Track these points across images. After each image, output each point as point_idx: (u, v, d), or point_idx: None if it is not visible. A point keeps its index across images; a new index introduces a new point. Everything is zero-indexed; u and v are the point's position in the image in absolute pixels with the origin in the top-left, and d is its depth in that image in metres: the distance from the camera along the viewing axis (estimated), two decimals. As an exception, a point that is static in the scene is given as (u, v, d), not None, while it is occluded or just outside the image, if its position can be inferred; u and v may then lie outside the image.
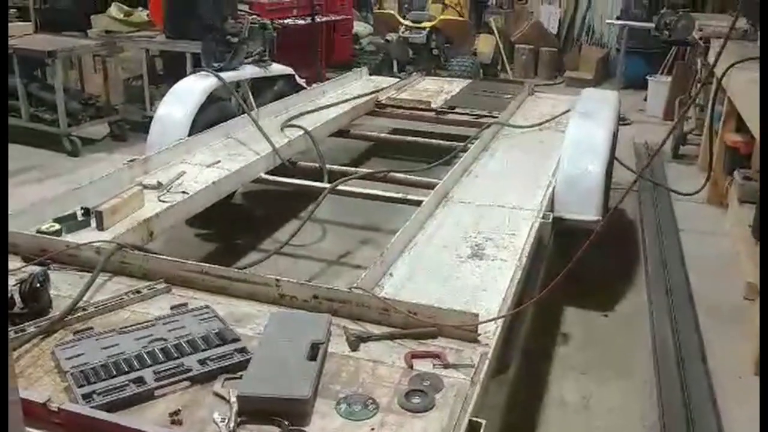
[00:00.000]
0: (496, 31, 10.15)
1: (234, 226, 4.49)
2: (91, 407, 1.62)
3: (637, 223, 4.82)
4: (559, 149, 3.59)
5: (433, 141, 4.83)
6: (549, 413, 2.88)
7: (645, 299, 3.78)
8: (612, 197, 4.00)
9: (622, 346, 3.38)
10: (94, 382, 1.72)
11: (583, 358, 3.26)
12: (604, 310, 3.69)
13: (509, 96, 5.22)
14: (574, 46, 10.90)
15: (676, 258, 4.22)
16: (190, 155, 3.63)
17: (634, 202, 5.09)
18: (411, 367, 1.86)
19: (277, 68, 5.09)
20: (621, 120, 5.20)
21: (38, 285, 2.09)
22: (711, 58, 5.66)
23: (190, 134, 3.84)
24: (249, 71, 4.72)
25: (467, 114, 4.91)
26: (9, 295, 2.05)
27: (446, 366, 1.87)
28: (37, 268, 2.25)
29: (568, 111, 4.45)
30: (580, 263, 1.98)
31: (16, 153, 6.08)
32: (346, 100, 4.94)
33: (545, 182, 3.39)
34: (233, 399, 1.67)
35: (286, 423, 1.61)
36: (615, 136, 3.90)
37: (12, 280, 2.16)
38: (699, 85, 6.46)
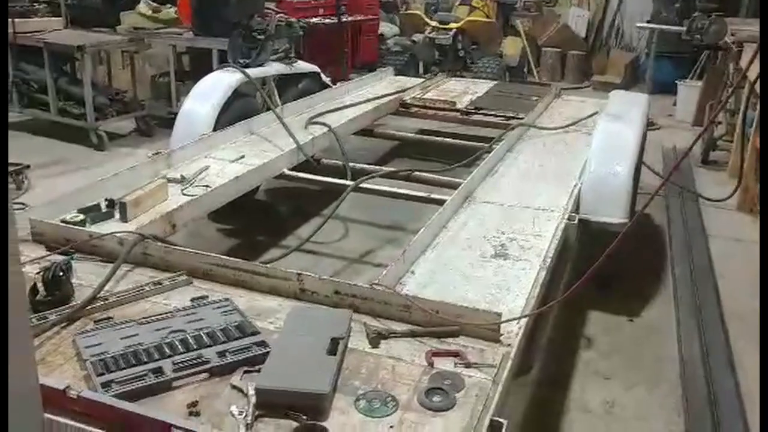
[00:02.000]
0: (522, 34, 10.08)
1: (256, 222, 4.50)
2: (110, 396, 1.61)
3: (664, 228, 4.73)
4: (586, 151, 3.54)
5: (458, 142, 4.80)
6: (571, 417, 2.83)
7: (672, 305, 3.70)
8: (639, 202, 3.93)
9: (648, 352, 3.32)
10: (114, 371, 1.71)
11: (607, 363, 3.21)
12: (630, 315, 3.62)
13: (535, 98, 5.17)
14: (602, 49, 10.79)
15: (704, 264, 4.14)
16: (213, 150, 3.64)
17: (661, 207, 5.00)
18: (432, 365, 1.83)
19: (303, 66, 5.10)
20: (649, 124, 5.12)
21: (61, 274, 2.10)
22: (744, 63, 5.56)
23: (214, 129, 3.85)
24: (274, 68, 4.73)
25: (492, 115, 4.87)
26: (32, 282, 2.07)
27: (468, 365, 1.83)
28: (60, 257, 2.27)
29: (595, 113, 4.40)
30: (605, 267, 1.93)
31: (45, 146, 6.18)
32: (371, 99, 4.93)
33: (571, 184, 3.34)
34: (251, 392, 1.65)
35: (304, 417, 1.59)
36: (644, 138, 3.83)
37: (36, 268, 2.18)
38: (730, 89, 6.34)
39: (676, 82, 8.24)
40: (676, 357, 3.23)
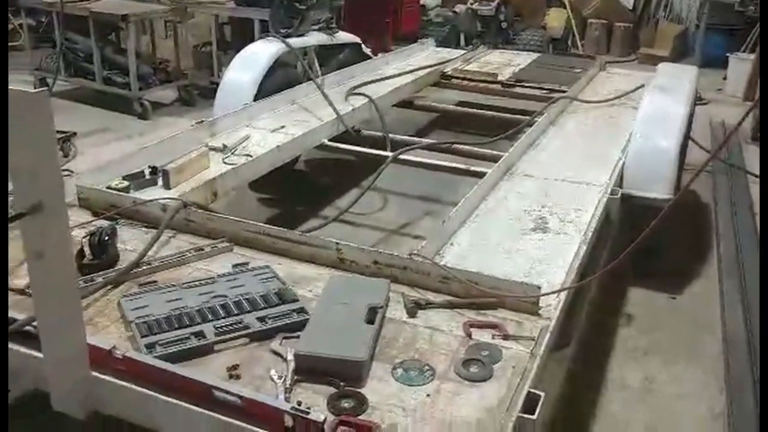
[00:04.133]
0: (567, 5, 9.83)
1: (296, 192, 4.52)
2: (154, 357, 1.66)
3: (710, 205, 4.62)
4: (631, 125, 3.46)
5: (499, 114, 4.73)
6: (609, 394, 2.81)
7: (716, 283, 3.63)
8: (685, 179, 3.84)
9: (690, 331, 3.26)
10: (157, 333, 1.76)
11: (647, 340, 3.16)
12: (672, 292, 3.55)
13: (579, 70, 5.06)
14: (650, 21, 10.47)
15: (751, 242, 4.03)
16: (255, 120, 3.66)
17: (708, 184, 4.88)
18: (469, 336, 1.84)
19: (344, 36, 5.07)
20: (697, 99, 4.97)
21: (106, 238, 2.15)
22: (800, 35, 5.34)
23: (255, 99, 3.87)
24: (315, 38, 4.71)
25: (535, 88, 4.79)
26: (80, 246, 2.12)
27: (506, 337, 1.83)
28: (105, 223, 2.32)
29: (641, 86, 4.28)
30: (648, 243, 1.89)
31: (90, 114, 6.30)
32: (412, 71, 4.88)
33: (615, 158, 3.27)
34: (290, 357, 1.67)
35: (342, 384, 1.61)
36: (692, 113, 3.73)
37: (82, 233, 2.24)
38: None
39: (728, 55, 7.97)
40: (719, 335, 3.17)
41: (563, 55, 8.32)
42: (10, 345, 1.68)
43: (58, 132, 4.98)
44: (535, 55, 5.86)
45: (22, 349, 1.67)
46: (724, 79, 8.01)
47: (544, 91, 4.67)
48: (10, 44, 8.51)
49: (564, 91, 4.44)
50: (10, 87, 1.29)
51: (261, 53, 4.16)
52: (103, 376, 1.59)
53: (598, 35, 10.13)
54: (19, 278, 1.97)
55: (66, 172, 3.87)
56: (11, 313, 1.75)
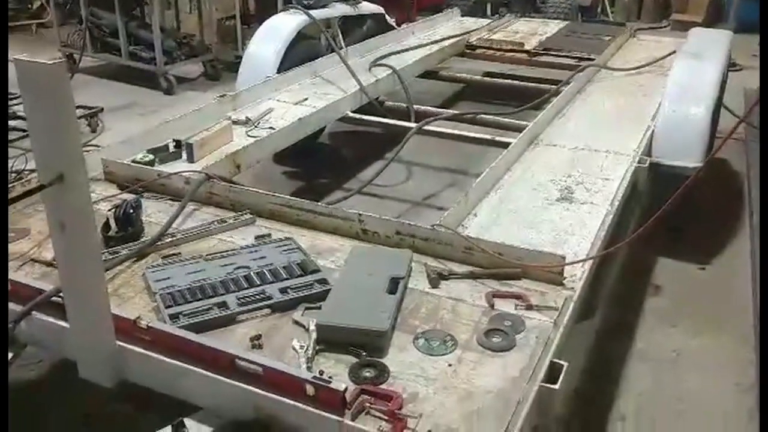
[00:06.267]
0: (597, -29, 9.59)
1: (319, 165, 4.52)
2: (178, 327, 1.67)
3: (743, 174, 4.51)
4: (661, 93, 3.38)
5: (525, 84, 4.66)
6: (635, 366, 2.78)
7: (747, 255, 3.55)
8: (715, 147, 3.75)
9: (720, 302, 3.20)
10: (181, 304, 1.78)
11: (675, 312, 3.12)
12: (702, 263, 3.49)
13: (608, 38, 4.95)
14: (682, -14, 10.17)
15: (784, 212, 3.94)
16: (278, 92, 3.65)
17: (741, 152, 4.76)
18: (492, 306, 1.82)
19: (367, 7, 5.01)
20: (731, 65, 4.84)
21: (131, 211, 2.17)
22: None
23: (278, 71, 3.86)
24: (339, 9, 4.66)
25: (562, 56, 4.70)
26: (105, 219, 2.14)
27: (529, 307, 1.81)
28: (130, 196, 2.34)
29: (672, 53, 4.17)
30: (677, 212, 1.85)
31: (116, 90, 6.35)
32: (436, 41, 4.82)
33: (644, 126, 3.20)
34: (312, 327, 1.68)
35: (364, 354, 1.62)
36: (725, 79, 3.62)
37: (108, 206, 2.26)
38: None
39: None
40: (750, 307, 3.11)
41: (592, 22, 8.12)
42: (39, 315, 1.72)
43: (85, 108, 5.08)
44: (562, 24, 5.74)
45: (50, 320, 1.71)
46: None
47: (572, 60, 4.59)
48: (38, 21, 8.61)
49: (592, 59, 4.35)
50: (28, 59, 1.29)
51: (283, 25, 4.13)
52: (128, 346, 1.61)
53: (628, 1, 9.89)
54: (46, 251, 2.01)
55: (93, 147, 3.91)
56: (40, 285, 1.78)
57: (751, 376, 2.69)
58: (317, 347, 1.64)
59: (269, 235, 2.17)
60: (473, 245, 2.00)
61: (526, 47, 4.89)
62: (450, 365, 1.60)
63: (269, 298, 1.82)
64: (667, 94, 3.28)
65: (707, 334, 2.97)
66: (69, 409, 2.40)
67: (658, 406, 2.57)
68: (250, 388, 1.48)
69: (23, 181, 2.53)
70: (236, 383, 1.49)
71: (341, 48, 4.37)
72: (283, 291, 1.84)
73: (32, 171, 3.11)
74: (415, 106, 3.92)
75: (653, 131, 3.14)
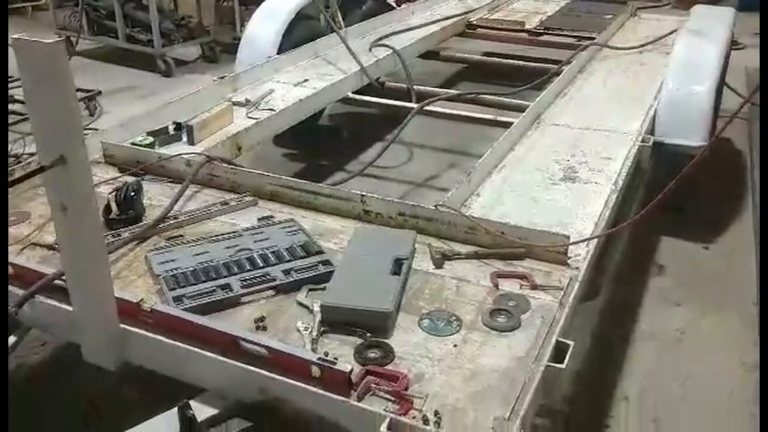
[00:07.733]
0: (598, -51, 9.49)
1: (320, 146, 4.50)
2: (181, 309, 1.67)
3: (746, 153, 4.49)
4: (663, 72, 3.35)
5: (526, 64, 4.63)
6: (638, 345, 2.78)
7: (751, 234, 3.54)
8: (720, 127, 3.72)
9: (723, 281, 3.20)
10: (184, 286, 1.77)
11: (678, 291, 3.11)
12: (706, 242, 3.48)
13: (609, 17, 4.90)
14: (684, -36, 10.08)
15: (787, 191, 3.92)
16: (278, 73, 3.62)
17: (744, 131, 4.73)
18: (497, 286, 1.82)
19: (367, -14, 4.96)
20: (734, 43, 4.79)
21: (132, 194, 2.16)
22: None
23: (278, 52, 3.82)
24: (338, -11, 4.62)
25: (563, 35, 4.67)
26: (106, 202, 2.13)
27: (533, 287, 1.81)
28: (131, 179, 2.33)
29: (674, 31, 4.13)
30: (681, 192, 1.83)
31: (115, 73, 6.30)
32: (436, 21, 4.77)
33: (646, 105, 3.18)
34: (316, 309, 1.67)
35: (368, 335, 1.61)
36: (727, 57, 3.59)
37: (108, 189, 2.24)
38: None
39: (766, -3, 7.65)
40: (754, 286, 3.11)
41: (593, 1, 8.05)
42: (42, 299, 1.71)
43: (83, 91, 5.05)
44: (563, 2, 5.69)
45: (54, 303, 1.70)
46: (763, 22, 7.71)
47: (573, 39, 4.55)
48: (34, 4, 8.53)
49: (593, 38, 4.31)
50: (27, 38, 1.27)
51: (283, 5, 4.08)
52: (132, 329, 1.61)
53: (629, -20, 9.80)
54: (47, 234, 2.00)
55: (91, 130, 3.89)
56: (42, 269, 1.77)
57: (755, 354, 2.69)
58: (321, 328, 1.63)
59: (272, 216, 2.16)
60: (477, 225, 1.99)
61: (527, 26, 4.86)
62: (455, 346, 1.60)
63: (273, 279, 1.81)
64: (669, 72, 3.25)
65: (712, 314, 2.97)
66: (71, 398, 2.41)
67: (663, 387, 2.57)
68: (255, 369, 1.47)
69: (23, 164, 2.51)
70: (241, 365, 1.49)
71: (341, 28, 4.33)
72: (286, 272, 1.83)
73: (31, 155, 3.09)
74: (415, 87, 3.89)
75: (656, 110, 3.12)
